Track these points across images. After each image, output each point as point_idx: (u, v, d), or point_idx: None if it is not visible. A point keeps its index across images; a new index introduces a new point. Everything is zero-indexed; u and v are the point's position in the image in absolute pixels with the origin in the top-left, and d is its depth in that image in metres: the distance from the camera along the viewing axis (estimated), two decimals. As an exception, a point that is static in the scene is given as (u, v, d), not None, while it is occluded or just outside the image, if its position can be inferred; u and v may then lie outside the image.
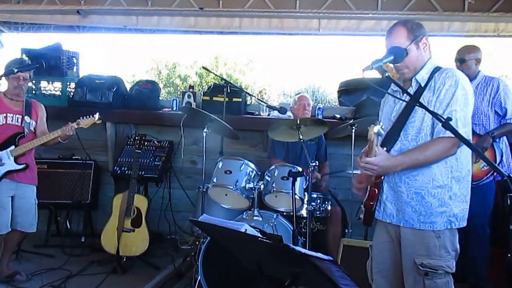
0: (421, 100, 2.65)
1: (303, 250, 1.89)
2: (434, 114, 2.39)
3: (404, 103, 2.74)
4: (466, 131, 2.61)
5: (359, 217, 2.97)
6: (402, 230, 2.76)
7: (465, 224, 2.75)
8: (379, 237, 2.96)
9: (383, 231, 2.91)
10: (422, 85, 2.72)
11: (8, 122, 4.34)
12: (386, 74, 2.48)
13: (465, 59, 4.34)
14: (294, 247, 1.92)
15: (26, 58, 5.55)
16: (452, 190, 2.68)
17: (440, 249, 2.68)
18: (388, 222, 2.81)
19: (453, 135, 2.38)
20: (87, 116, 4.40)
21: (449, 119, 2.27)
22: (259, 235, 2.14)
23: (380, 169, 2.59)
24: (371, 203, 2.82)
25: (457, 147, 2.59)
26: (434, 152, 2.60)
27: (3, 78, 4.20)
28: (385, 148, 2.66)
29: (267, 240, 1.99)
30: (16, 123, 4.36)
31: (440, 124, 2.36)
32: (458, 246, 2.76)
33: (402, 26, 2.73)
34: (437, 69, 2.73)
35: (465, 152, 2.71)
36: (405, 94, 2.72)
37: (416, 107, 2.66)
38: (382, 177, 2.77)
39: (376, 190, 2.80)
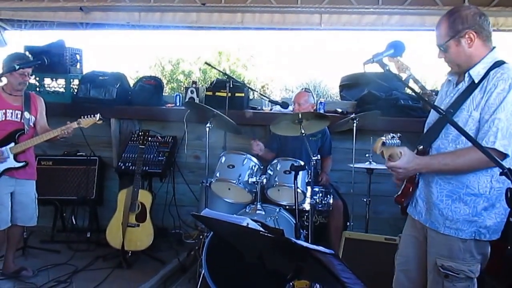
0: (470, 99, 2.46)
1: (304, 244, 1.90)
2: (435, 108, 2.31)
3: (455, 97, 2.55)
4: (504, 144, 2.34)
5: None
6: (429, 230, 2.63)
7: (497, 237, 2.53)
8: (407, 230, 2.85)
9: (412, 225, 2.80)
10: (476, 81, 2.47)
11: (7, 118, 4.32)
12: (387, 68, 2.42)
13: None
14: (296, 241, 1.92)
15: (26, 53, 5.53)
16: (489, 201, 2.46)
17: (464, 252, 2.51)
18: (417, 219, 2.71)
19: (501, 149, 2.28)
20: (88, 116, 4.41)
21: (449, 112, 2.19)
22: (261, 229, 2.16)
23: (404, 171, 2.46)
24: (402, 199, 2.73)
25: (501, 159, 2.29)
26: (467, 161, 2.39)
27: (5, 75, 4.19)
28: (421, 147, 2.57)
29: (268, 234, 2.01)
30: (16, 119, 4.35)
31: (488, 133, 2.28)
32: (487, 251, 2.57)
33: (445, 19, 2.50)
34: (496, 64, 2.46)
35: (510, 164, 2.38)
36: (456, 87, 2.57)
37: (463, 105, 2.46)
38: (417, 174, 2.66)
39: (411, 187, 2.69)
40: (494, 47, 2.53)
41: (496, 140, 2.32)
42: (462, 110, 2.47)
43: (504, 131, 2.33)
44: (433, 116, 2.71)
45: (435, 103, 2.76)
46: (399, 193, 2.75)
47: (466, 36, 2.46)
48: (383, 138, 2.34)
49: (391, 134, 2.35)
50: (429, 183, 2.61)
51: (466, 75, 2.53)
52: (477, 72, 2.48)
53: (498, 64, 2.47)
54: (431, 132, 2.62)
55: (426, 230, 2.67)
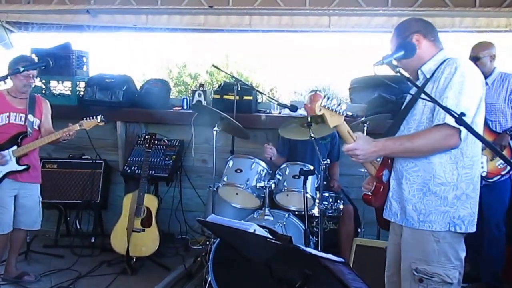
0: (424, 90, 2.51)
1: (313, 252, 1.85)
2: (446, 109, 2.24)
3: (413, 93, 2.67)
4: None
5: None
6: (404, 230, 2.60)
7: (473, 230, 2.52)
8: (390, 239, 2.84)
9: (393, 233, 2.78)
10: (428, 76, 2.61)
11: (11, 121, 4.30)
12: (397, 69, 2.42)
13: (480, 57, 4.29)
14: (304, 248, 1.87)
15: (33, 55, 5.53)
16: (458, 189, 2.48)
17: (439, 254, 2.48)
18: (393, 221, 2.67)
19: (451, 123, 2.26)
20: (90, 118, 4.37)
21: (463, 114, 2.13)
22: (268, 236, 2.10)
23: (363, 153, 2.48)
24: (370, 197, 2.68)
25: (459, 139, 2.38)
26: (426, 140, 2.44)
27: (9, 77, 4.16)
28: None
29: (276, 241, 1.95)
30: (19, 122, 4.33)
31: (438, 112, 2.34)
32: (463, 256, 2.55)
33: (393, 33, 2.73)
34: (447, 60, 2.59)
35: (473, 147, 2.51)
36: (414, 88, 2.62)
37: (419, 99, 2.56)
38: (383, 172, 2.65)
39: (382, 187, 2.66)
40: (442, 48, 2.68)
41: (446, 116, 2.32)
42: (418, 102, 2.58)
43: (453, 108, 2.29)
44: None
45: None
46: (369, 192, 2.71)
47: (414, 39, 2.63)
48: (324, 98, 2.35)
49: (338, 100, 2.38)
50: (399, 181, 2.60)
51: (419, 72, 2.66)
52: (428, 69, 2.63)
53: (448, 59, 2.59)
54: (392, 127, 2.72)
55: (402, 232, 2.64)
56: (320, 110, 2.35)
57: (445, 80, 2.47)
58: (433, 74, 2.59)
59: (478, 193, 2.56)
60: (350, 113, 5.47)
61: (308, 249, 1.87)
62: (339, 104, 2.36)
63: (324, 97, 2.35)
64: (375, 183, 2.68)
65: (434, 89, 2.51)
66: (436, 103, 2.28)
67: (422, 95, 2.47)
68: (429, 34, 2.66)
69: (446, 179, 2.48)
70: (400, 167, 2.59)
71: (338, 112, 2.37)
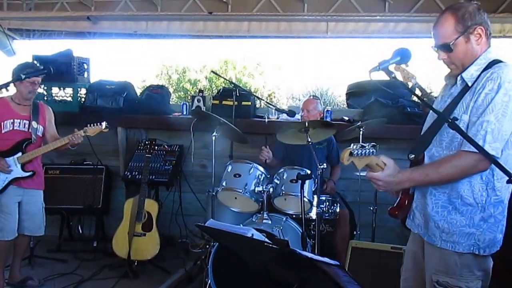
0: (460, 103, 2.34)
1: (309, 255, 1.88)
2: (434, 110, 2.21)
3: (448, 102, 2.43)
4: (496, 147, 2.20)
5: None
6: (426, 244, 2.50)
7: (496, 250, 2.38)
8: (409, 244, 2.72)
9: (413, 239, 2.68)
10: (469, 84, 2.34)
11: (15, 128, 4.33)
12: (393, 75, 2.37)
13: None
14: (301, 252, 1.90)
15: (34, 62, 5.55)
16: (486, 211, 2.31)
17: (461, 267, 2.35)
18: (416, 232, 2.56)
19: (474, 150, 2.12)
20: (94, 124, 4.41)
21: (455, 118, 2.09)
22: (266, 240, 2.14)
23: (384, 184, 2.33)
24: (396, 212, 2.59)
25: (488, 163, 2.20)
26: (451, 168, 2.26)
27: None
28: (412, 156, 2.41)
29: (273, 246, 1.99)
30: (23, 129, 4.36)
31: (472, 134, 2.13)
32: (489, 267, 2.40)
33: (451, 14, 2.33)
34: (490, 64, 2.31)
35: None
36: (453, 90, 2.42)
37: (455, 110, 2.34)
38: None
39: (407, 200, 2.56)
40: (489, 47, 2.39)
41: (485, 143, 2.18)
42: (454, 114, 2.31)
43: (495, 133, 2.19)
44: (426, 126, 2.59)
45: (427, 118, 2.66)
46: (394, 205, 2.62)
47: (475, 32, 2.32)
48: (350, 147, 2.22)
49: (361, 143, 2.24)
50: (424, 194, 2.47)
51: (459, 78, 2.41)
52: (470, 75, 2.36)
53: (492, 64, 2.32)
54: (424, 140, 2.49)
55: (424, 244, 2.54)
56: (348, 160, 2.24)
57: (486, 97, 2.23)
58: (474, 81, 2.33)
59: (506, 215, 2.39)
60: (346, 118, 5.55)
61: (304, 253, 1.90)
62: (364, 148, 2.22)
63: (349, 148, 2.21)
64: (400, 195, 2.59)
65: (471, 103, 2.29)
66: (461, 132, 2.12)
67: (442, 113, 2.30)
68: (488, 28, 2.36)
69: (474, 199, 2.32)
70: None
71: (366, 155, 2.25)
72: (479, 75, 2.31)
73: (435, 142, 2.44)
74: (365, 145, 2.23)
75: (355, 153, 2.21)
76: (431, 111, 2.54)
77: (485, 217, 2.32)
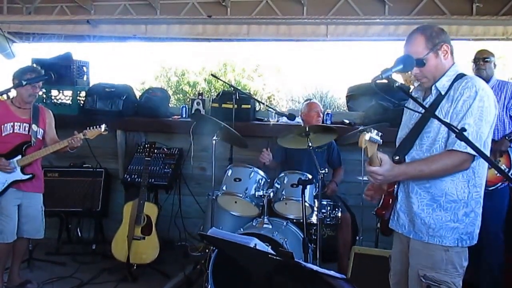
0: (439, 109, 2.57)
1: (315, 268, 1.87)
2: (448, 125, 2.30)
3: (420, 115, 2.65)
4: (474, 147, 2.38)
5: (378, 226, 2.92)
6: (412, 241, 2.67)
7: (474, 243, 2.61)
8: (395, 247, 2.89)
9: (398, 241, 2.84)
10: (442, 93, 2.61)
11: (15, 131, 4.33)
12: (396, 84, 2.46)
13: (489, 58, 4.38)
14: (305, 265, 1.89)
15: (34, 65, 5.56)
16: (468, 206, 2.56)
17: (447, 263, 2.56)
18: (400, 232, 2.73)
19: (464, 150, 2.35)
20: (94, 127, 4.40)
21: (463, 129, 2.18)
22: (269, 251, 2.12)
23: (383, 178, 2.50)
24: (383, 212, 2.77)
25: (471, 162, 2.47)
26: (441, 165, 2.48)
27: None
28: (397, 157, 2.61)
29: (277, 258, 1.97)
30: (24, 132, 4.36)
31: (453, 136, 2.26)
32: (465, 264, 2.62)
33: (420, 34, 2.62)
34: (459, 76, 2.61)
35: (484, 166, 2.59)
36: (422, 103, 2.61)
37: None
38: (395, 186, 2.70)
39: (391, 199, 2.73)
40: (454, 62, 2.68)
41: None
42: (433, 120, 2.56)
43: (474, 135, 2.43)
44: (403, 130, 2.79)
45: (402, 122, 2.88)
46: (379, 206, 2.81)
47: (442, 49, 2.61)
48: (370, 133, 2.34)
49: (376, 130, 2.38)
50: (408, 194, 2.67)
51: (433, 88, 2.65)
52: (442, 85, 2.62)
53: (460, 76, 2.61)
54: (406, 143, 2.69)
55: (409, 242, 2.70)
56: (365, 145, 2.35)
57: (464, 104, 2.49)
58: (447, 90, 2.59)
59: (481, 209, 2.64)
60: (347, 121, 5.53)
61: (309, 265, 1.89)
62: (378, 135, 2.37)
63: (367, 132, 2.34)
64: (383, 196, 2.77)
65: (451, 109, 2.53)
66: (446, 123, 2.30)
67: (436, 113, 2.51)
68: (451, 46, 2.65)
69: (457, 196, 2.55)
70: (411, 181, 2.64)
71: (377, 142, 2.37)
72: (450, 85, 2.60)
73: (416, 146, 2.64)
74: (379, 132, 2.38)
75: (372, 139, 2.34)
76: (407, 113, 2.85)
77: (467, 212, 2.56)
